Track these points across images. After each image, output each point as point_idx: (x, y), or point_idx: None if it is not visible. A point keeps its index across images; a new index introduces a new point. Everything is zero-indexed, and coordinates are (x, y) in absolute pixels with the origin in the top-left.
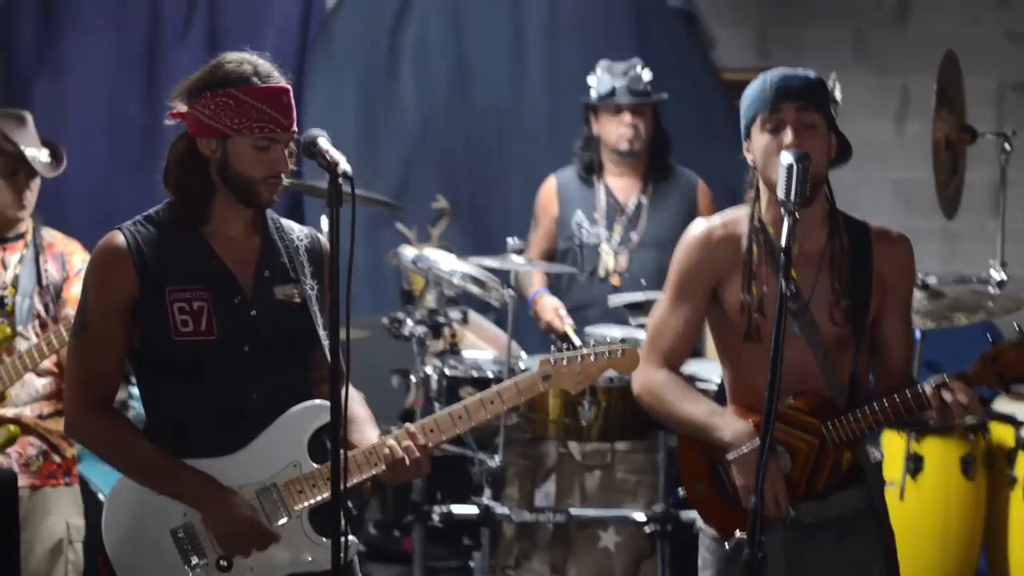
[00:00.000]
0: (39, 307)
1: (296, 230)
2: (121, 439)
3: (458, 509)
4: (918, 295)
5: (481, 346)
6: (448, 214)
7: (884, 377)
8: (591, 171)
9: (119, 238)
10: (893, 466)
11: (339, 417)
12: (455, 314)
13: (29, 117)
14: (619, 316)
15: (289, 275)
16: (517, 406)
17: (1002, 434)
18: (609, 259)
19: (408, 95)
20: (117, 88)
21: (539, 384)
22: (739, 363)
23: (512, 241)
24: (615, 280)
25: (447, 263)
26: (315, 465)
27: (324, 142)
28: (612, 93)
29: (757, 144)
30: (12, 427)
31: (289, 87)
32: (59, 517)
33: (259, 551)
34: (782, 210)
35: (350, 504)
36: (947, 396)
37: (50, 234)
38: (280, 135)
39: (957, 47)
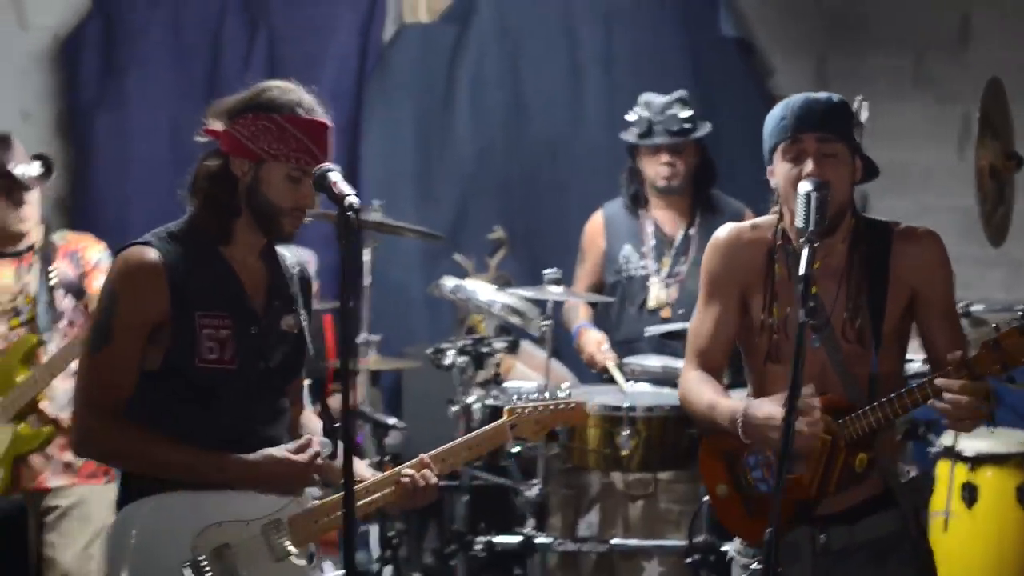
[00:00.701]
0: (60, 308)
1: (288, 259)
2: (151, 441)
3: (500, 539)
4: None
5: (531, 375)
6: (505, 244)
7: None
8: (637, 203)
9: (153, 254)
10: (945, 495)
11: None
12: (499, 344)
13: (13, 137)
14: (672, 348)
15: (291, 305)
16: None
17: None
18: (660, 292)
19: (464, 127)
20: (178, 120)
21: (507, 432)
22: (763, 381)
23: (549, 272)
24: (666, 312)
25: (485, 293)
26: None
27: (334, 175)
28: (649, 132)
29: (779, 172)
30: (46, 428)
31: (330, 125)
32: (98, 516)
33: (309, 481)
34: (804, 239)
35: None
36: (949, 397)
37: (62, 237)
38: (314, 167)
39: (1017, 72)
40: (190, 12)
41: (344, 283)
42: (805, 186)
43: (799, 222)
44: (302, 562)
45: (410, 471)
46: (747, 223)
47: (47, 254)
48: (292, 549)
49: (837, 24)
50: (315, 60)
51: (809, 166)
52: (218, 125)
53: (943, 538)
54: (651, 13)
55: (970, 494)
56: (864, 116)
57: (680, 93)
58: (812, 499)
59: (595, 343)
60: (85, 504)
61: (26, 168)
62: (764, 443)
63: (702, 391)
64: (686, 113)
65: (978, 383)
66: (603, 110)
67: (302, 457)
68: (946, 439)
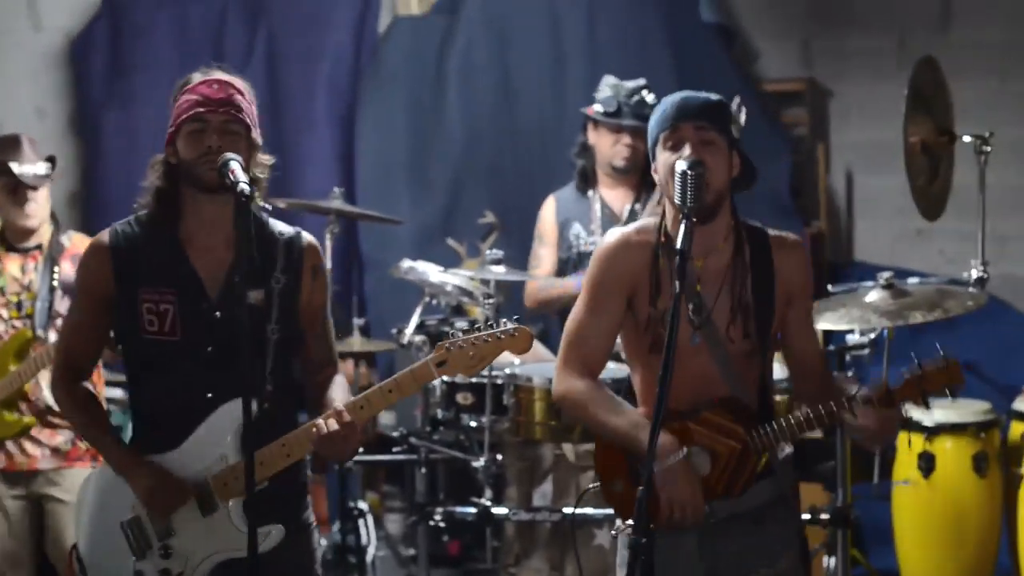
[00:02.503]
0: (59, 308)
1: (279, 227)
2: (81, 409)
3: (460, 510)
4: (881, 293)
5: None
6: (497, 229)
7: (802, 379)
8: (586, 182)
9: (104, 236)
10: (906, 464)
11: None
12: (461, 324)
13: (23, 137)
14: None
15: (259, 279)
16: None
17: (1018, 431)
18: None
19: (455, 115)
20: None
21: (432, 370)
22: (648, 371)
23: (491, 252)
24: None
25: (435, 274)
26: (239, 457)
27: (233, 164)
28: (617, 113)
29: (660, 161)
30: (27, 418)
31: (226, 80)
32: None
33: (178, 505)
34: (680, 216)
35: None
36: (870, 426)
37: (69, 239)
38: (207, 115)
39: (1000, 52)
40: (193, 11)
41: (239, 267)
42: (681, 165)
43: (677, 199)
44: (224, 518)
45: (320, 420)
46: (633, 226)
47: (54, 254)
48: (217, 504)
49: (821, 7)
50: (313, 55)
51: (687, 151)
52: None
53: (902, 506)
54: (634, 0)
55: (927, 463)
56: (742, 119)
57: (642, 81)
58: (718, 498)
59: None
60: (71, 486)
61: (31, 167)
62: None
63: (615, 408)
64: (652, 99)
65: (895, 411)
66: (587, 96)
67: (164, 487)
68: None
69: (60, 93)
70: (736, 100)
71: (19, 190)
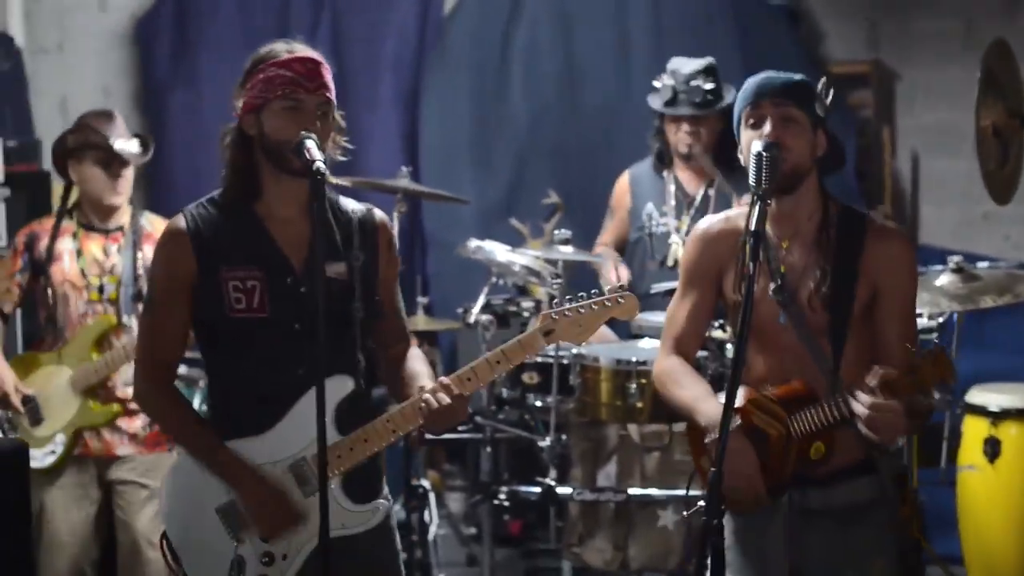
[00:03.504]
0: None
1: (352, 205)
2: (173, 413)
3: (524, 489)
4: (950, 277)
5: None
6: (561, 209)
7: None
8: (663, 163)
9: (180, 221)
10: (971, 450)
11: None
12: (527, 303)
13: (117, 114)
14: None
15: (339, 252)
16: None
17: None
18: (679, 249)
19: (519, 95)
20: None
21: (540, 339)
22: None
23: (559, 232)
24: None
25: (502, 254)
26: (340, 436)
27: (309, 143)
28: (673, 101)
29: (743, 141)
30: (116, 406)
31: (317, 58)
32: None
33: (290, 528)
34: (754, 196)
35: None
36: (855, 407)
37: (149, 222)
38: (304, 96)
39: None
40: None
41: (316, 246)
42: (756, 146)
43: (751, 180)
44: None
45: (427, 395)
46: (721, 215)
47: (137, 237)
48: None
49: None
50: (378, 34)
51: (767, 127)
52: (239, 104)
53: (966, 492)
54: None
55: (993, 449)
56: (829, 99)
57: (707, 61)
58: (773, 484)
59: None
60: (151, 473)
61: (126, 144)
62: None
63: (684, 383)
64: (710, 85)
65: (891, 403)
66: (651, 76)
67: (276, 510)
68: (971, 396)
69: (125, 73)
70: (823, 80)
71: (113, 166)
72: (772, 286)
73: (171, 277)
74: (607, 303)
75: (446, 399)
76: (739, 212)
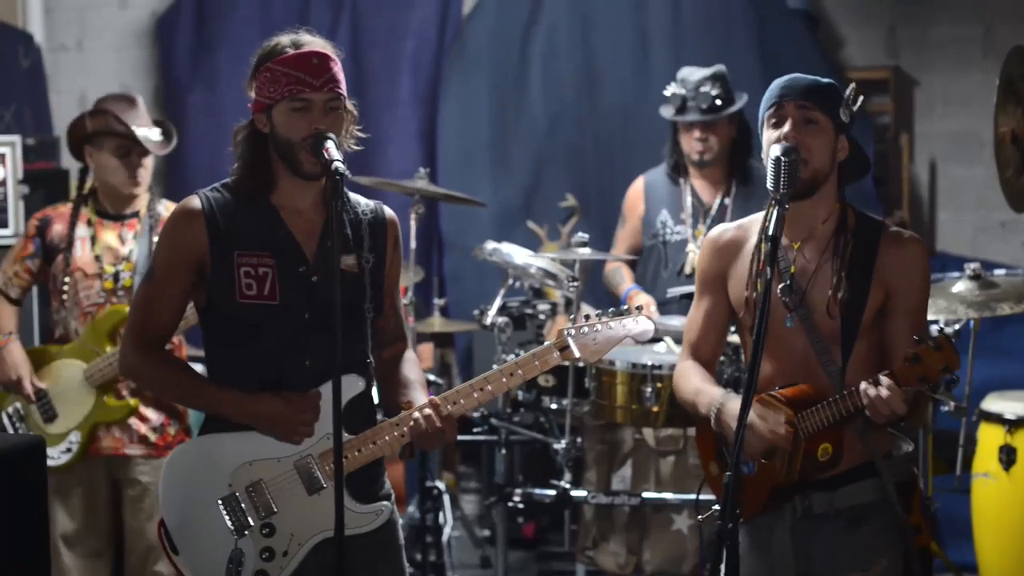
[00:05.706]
0: None
1: (363, 203)
2: (166, 369)
3: (538, 492)
4: (968, 284)
5: None
6: (578, 212)
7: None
8: (678, 172)
9: (195, 201)
10: (987, 457)
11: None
12: (543, 306)
13: (139, 99)
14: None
15: (351, 246)
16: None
17: None
18: (695, 257)
19: (537, 97)
20: None
21: (554, 355)
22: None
23: (577, 235)
24: None
25: (519, 256)
26: (347, 436)
27: (328, 143)
28: (683, 109)
29: (765, 142)
30: (133, 400)
31: (323, 52)
32: None
33: (315, 421)
34: (772, 200)
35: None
36: (871, 392)
37: (166, 208)
38: (311, 95)
39: None
40: None
41: (333, 243)
42: (775, 150)
43: (769, 184)
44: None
45: (417, 414)
46: (733, 223)
47: (153, 224)
48: (324, 483)
49: None
50: (397, 34)
51: (787, 128)
52: (251, 96)
53: (981, 500)
54: None
55: (1008, 456)
56: (856, 106)
57: (716, 69)
58: (781, 485)
59: (644, 306)
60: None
61: (148, 132)
62: (730, 437)
63: (690, 378)
64: (717, 91)
65: (900, 392)
66: (670, 79)
67: (296, 410)
68: (986, 403)
69: (144, 71)
70: (852, 86)
71: (133, 153)
72: (780, 286)
73: (178, 252)
74: (624, 324)
75: (436, 423)
76: (752, 219)
